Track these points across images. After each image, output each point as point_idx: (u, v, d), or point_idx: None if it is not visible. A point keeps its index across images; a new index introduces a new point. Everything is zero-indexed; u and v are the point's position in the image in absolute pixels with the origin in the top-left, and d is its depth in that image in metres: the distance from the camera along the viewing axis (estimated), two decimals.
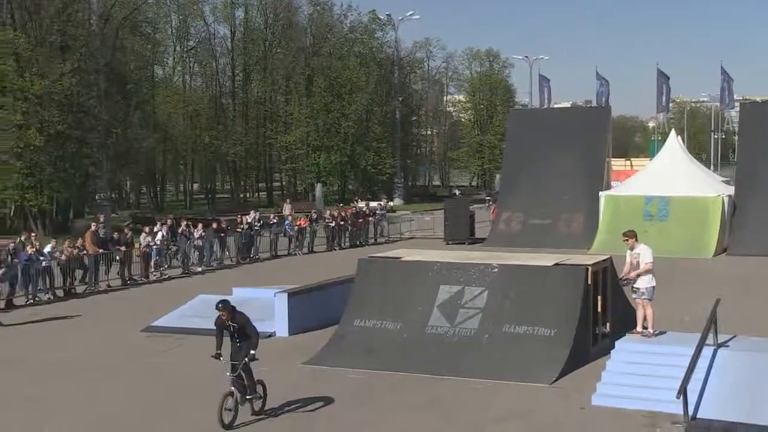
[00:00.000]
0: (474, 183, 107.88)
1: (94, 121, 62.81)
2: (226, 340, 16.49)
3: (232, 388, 15.83)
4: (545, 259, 23.36)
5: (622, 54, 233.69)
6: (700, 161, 55.75)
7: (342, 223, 50.29)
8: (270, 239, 45.55)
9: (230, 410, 15.68)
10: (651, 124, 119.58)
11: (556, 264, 22.21)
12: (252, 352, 15.99)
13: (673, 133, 55.72)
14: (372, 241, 50.13)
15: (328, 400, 17.66)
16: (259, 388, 16.48)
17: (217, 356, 16.12)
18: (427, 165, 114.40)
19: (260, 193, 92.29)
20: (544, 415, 16.84)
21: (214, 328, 24.97)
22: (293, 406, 17.22)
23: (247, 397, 16.10)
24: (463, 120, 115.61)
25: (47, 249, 33.24)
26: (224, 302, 16.48)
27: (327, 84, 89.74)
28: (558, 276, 21.50)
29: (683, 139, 54.34)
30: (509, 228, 47.00)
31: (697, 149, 65.43)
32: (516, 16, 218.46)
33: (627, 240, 19.51)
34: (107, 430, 16.64)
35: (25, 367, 22.02)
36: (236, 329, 16.30)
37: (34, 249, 32.63)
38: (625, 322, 21.25)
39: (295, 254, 45.19)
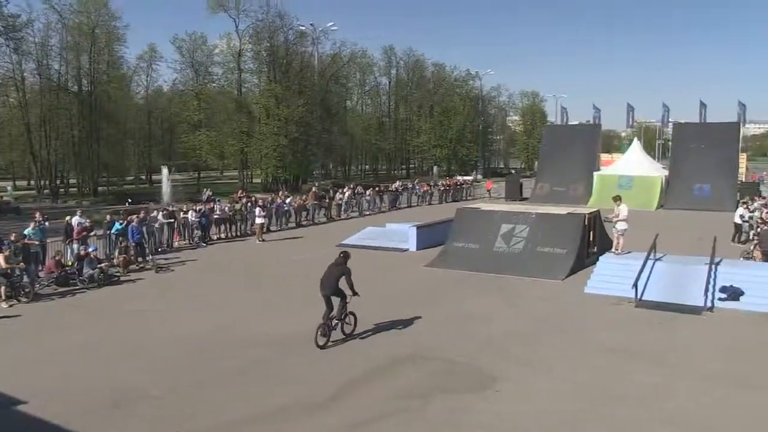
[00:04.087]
0: (522, 166, 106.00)
1: (313, 131, 63.91)
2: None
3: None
4: (562, 209, 23.21)
5: (607, 93, 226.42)
6: (650, 156, 54.04)
7: (448, 188, 50.10)
8: (407, 197, 45.48)
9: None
10: (622, 134, 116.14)
11: (568, 212, 22.26)
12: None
13: (635, 140, 54.74)
14: (464, 198, 49.63)
15: (437, 287, 17.78)
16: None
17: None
18: (496, 155, 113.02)
19: (402, 170, 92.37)
20: (558, 298, 17.03)
21: (376, 246, 25.43)
22: (417, 288, 17.36)
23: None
24: (517, 131, 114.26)
25: (288, 200, 33.72)
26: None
27: (441, 110, 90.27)
28: (569, 219, 21.44)
29: (640, 144, 52.85)
30: (542, 192, 46.41)
31: (648, 149, 62.97)
32: (550, 69, 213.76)
33: (615, 201, 19.86)
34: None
35: (278, 264, 22.65)
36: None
37: (281, 200, 33.31)
38: (604, 246, 21.19)
39: (421, 205, 44.86)
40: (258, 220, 28.68)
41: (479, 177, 77.53)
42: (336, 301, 12.80)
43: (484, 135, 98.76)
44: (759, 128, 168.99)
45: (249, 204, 30.92)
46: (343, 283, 12.69)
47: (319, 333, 12.47)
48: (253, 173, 71.77)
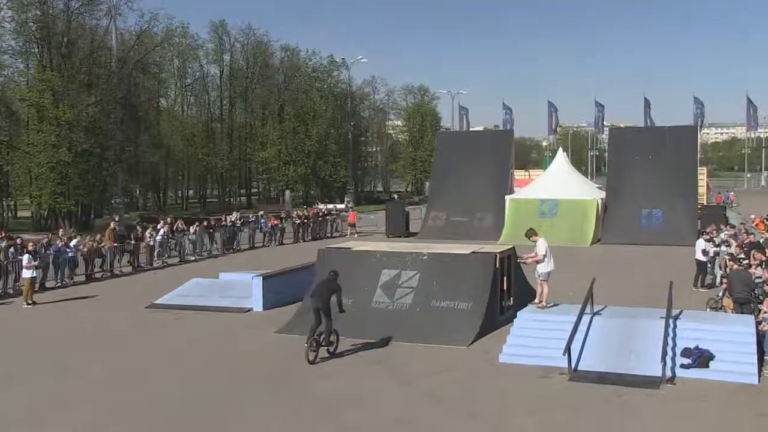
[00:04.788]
0: (409, 189, 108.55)
1: (111, 141, 62.76)
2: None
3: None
4: (464, 248, 23.60)
5: (522, 89, 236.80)
6: (580, 172, 56.54)
7: (306, 221, 50.19)
8: (249, 234, 45.40)
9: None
10: (544, 143, 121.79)
11: (473, 252, 22.54)
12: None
13: (560, 150, 56.62)
14: (329, 235, 50.00)
15: (293, 360, 17.45)
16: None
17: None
18: (373, 175, 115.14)
19: (241, 198, 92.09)
20: (463, 371, 17.14)
21: (205, 305, 25.10)
22: (267, 367, 16.99)
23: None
24: (400, 140, 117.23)
25: (73, 243, 32.64)
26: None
27: (295, 112, 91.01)
28: (474, 261, 21.73)
29: (568, 155, 55.10)
30: (436, 224, 47.43)
31: (578, 163, 66.23)
32: (442, 59, 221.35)
33: (530, 237, 20.11)
34: (118, 381, 16.27)
35: (55, 337, 21.62)
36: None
37: (62, 242, 32.18)
38: (524, 296, 21.69)
39: (269, 246, 45.01)
40: (26, 273, 27.32)
41: (351, 204, 78.15)
42: (325, 316, 17.35)
43: (355, 146, 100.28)
44: (722, 134, 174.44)
45: (11, 249, 29.65)
46: (333, 300, 17.51)
47: (309, 349, 17.07)
48: (18, 203, 69.04)
